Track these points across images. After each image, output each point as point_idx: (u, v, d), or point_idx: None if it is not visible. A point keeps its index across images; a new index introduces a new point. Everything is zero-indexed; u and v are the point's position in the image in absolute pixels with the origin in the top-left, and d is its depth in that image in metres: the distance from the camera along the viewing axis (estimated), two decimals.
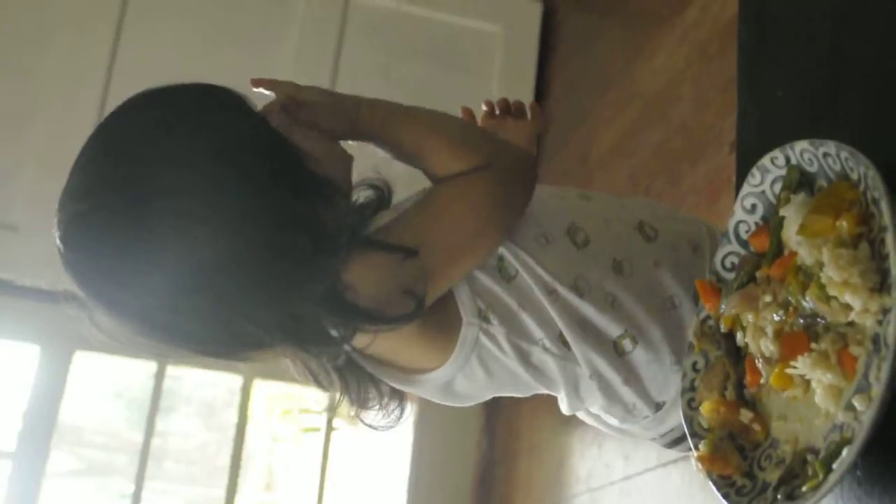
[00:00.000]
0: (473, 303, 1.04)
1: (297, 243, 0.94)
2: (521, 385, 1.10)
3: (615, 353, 1.08)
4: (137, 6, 2.99)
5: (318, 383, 1.05)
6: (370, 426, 1.09)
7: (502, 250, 1.05)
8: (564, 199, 1.13)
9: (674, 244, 1.11)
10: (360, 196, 1.09)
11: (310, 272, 0.94)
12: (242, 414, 3.01)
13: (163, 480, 3.27)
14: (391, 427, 1.10)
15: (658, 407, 1.10)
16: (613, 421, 1.15)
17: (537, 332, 1.06)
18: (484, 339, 1.05)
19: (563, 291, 1.05)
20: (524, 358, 1.07)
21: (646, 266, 1.09)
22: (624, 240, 1.09)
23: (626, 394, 1.09)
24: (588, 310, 1.06)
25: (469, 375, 1.07)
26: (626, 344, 1.08)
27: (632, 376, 1.09)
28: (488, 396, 1.14)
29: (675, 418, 1.10)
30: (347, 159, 1.07)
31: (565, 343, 1.06)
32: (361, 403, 1.08)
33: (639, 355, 1.08)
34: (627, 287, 1.07)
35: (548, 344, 1.06)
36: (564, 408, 1.14)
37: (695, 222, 1.18)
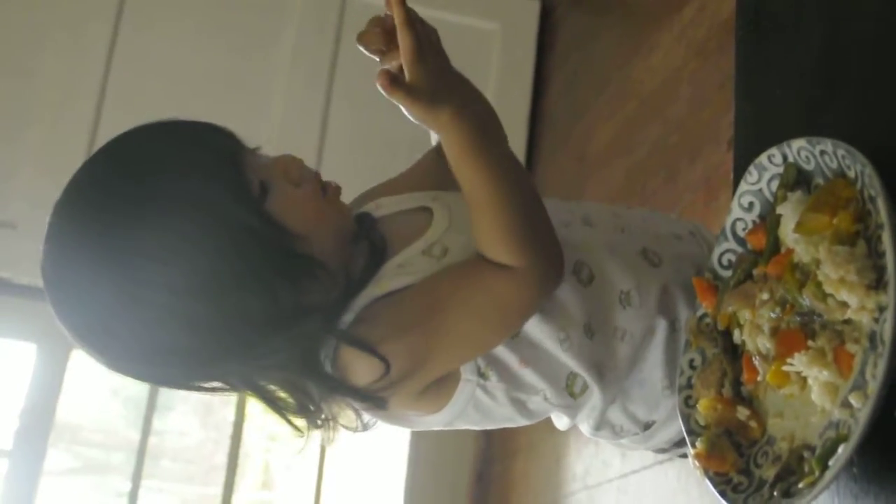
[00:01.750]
0: (473, 360, 1.02)
1: (252, 314, 0.93)
2: (517, 422, 1.10)
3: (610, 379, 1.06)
4: (134, 7, 2.98)
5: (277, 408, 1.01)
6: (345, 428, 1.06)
7: None
8: (569, 228, 1.06)
9: (678, 268, 1.07)
10: (356, 259, 1.03)
11: (266, 344, 0.95)
12: (240, 412, 3.01)
13: (160, 479, 3.27)
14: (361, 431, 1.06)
15: (647, 426, 1.10)
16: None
17: (539, 385, 1.04)
18: (481, 394, 1.04)
19: (575, 336, 1.02)
20: (521, 407, 1.06)
21: (653, 291, 1.05)
22: (630, 270, 1.05)
23: (615, 417, 1.09)
24: (600, 349, 1.04)
25: (465, 419, 1.07)
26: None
27: (621, 399, 1.07)
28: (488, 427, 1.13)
29: (664, 434, 1.10)
30: (343, 219, 1.03)
31: (571, 393, 1.05)
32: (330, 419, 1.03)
33: (631, 380, 1.07)
34: (636, 317, 1.05)
35: (549, 395, 1.05)
36: (560, 426, 1.15)
37: (694, 241, 1.14)
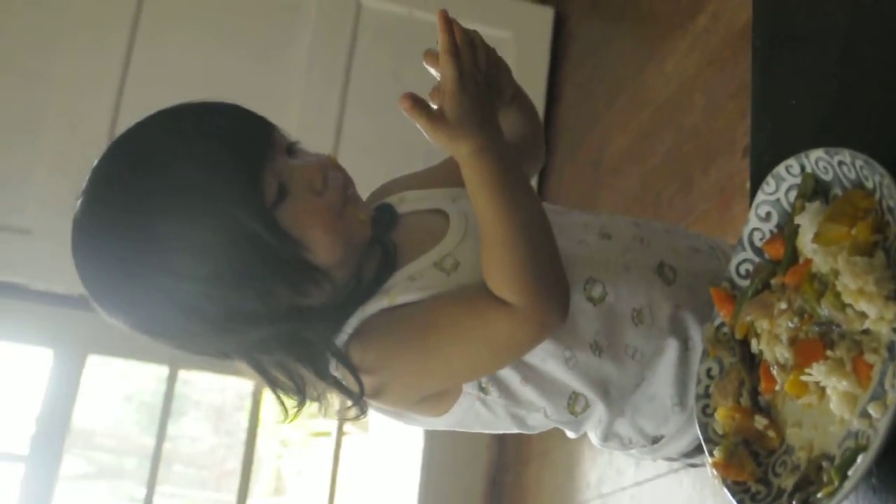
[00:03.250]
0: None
1: (249, 312, 0.95)
2: (517, 430, 1.11)
3: (615, 396, 1.06)
4: (151, 13, 3.00)
5: (275, 386, 1.03)
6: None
7: None
8: (584, 245, 1.06)
9: (692, 286, 1.06)
10: (368, 262, 1.03)
11: (261, 338, 0.98)
12: (253, 418, 3.02)
13: (173, 484, 3.28)
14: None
15: (655, 440, 1.10)
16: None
17: (540, 403, 1.04)
18: (480, 407, 1.04)
19: (581, 355, 1.02)
20: (521, 422, 1.07)
21: (665, 311, 1.05)
22: (643, 287, 1.05)
23: (623, 430, 1.09)
24: (608, 367, 1.03)
25: (465, 426, 1.08)
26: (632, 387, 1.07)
27: (630, 414, 1.07)
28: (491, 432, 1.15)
29: (673, 448, 1.10)
30: (357, 233, 1.02)
31: (573, 411, 1.05)
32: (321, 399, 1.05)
33: (641, 396, 1.07)
34: (648, 335, 1.04)
35: (549, 412, 1.05)
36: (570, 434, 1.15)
37: (713, 255, 1.13)
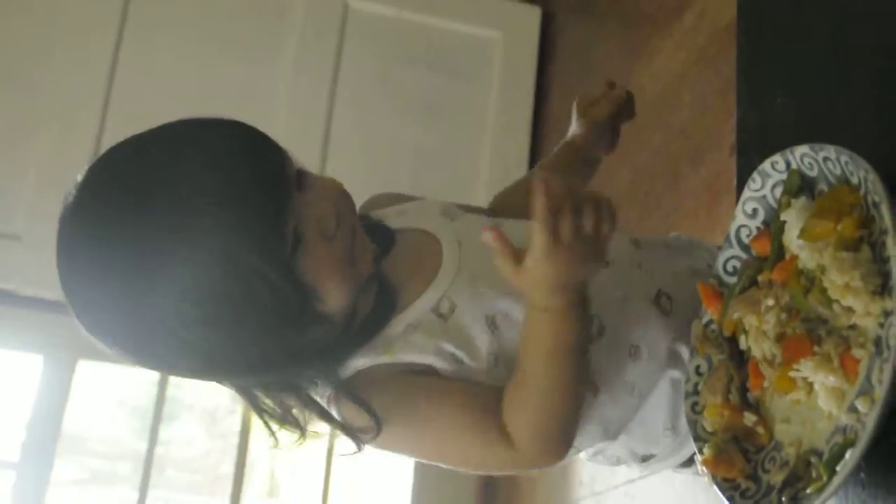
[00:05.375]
0: None
1: (249, 353, 0.93)
2: None
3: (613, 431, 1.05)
4: (137, 18, 2.99)
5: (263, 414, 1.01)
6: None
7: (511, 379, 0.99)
8: None
9: (689, 313, 1.03)
10: (365, 298, 1.00)
11: (255, 377, 0.97)
12: (245, 421, 3.01)
13: (166, 489, 3.27)
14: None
15: (644, 459, 1.09)
16: None
17: None
18: None
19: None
20: None
21: (663, 345, 1.03)
22: (641, 321, 1.03)
23: (613, 450, 1.08)
24: (605, 406, 1.02)
25: None
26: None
27: (621, 438, 1.06)
28: None
29: (662, 465, 1.10)
30: (363, 277, 0.98)
31: None
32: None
33: (633, 421, 1.05)
34: (646, 370, 1.03)
35: None
36: None
37: (695, 254, 1.12)
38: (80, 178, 0.93)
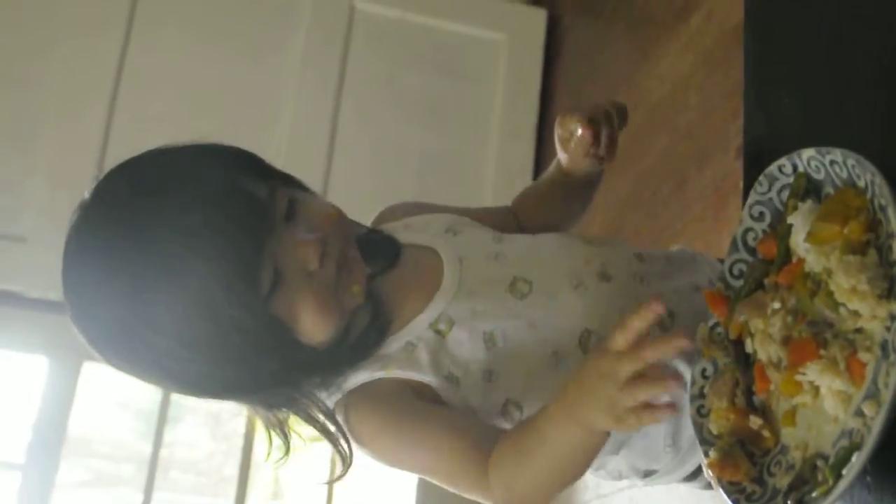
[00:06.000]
0: None
1: (236, 380, 0.96)
2: None
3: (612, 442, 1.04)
4: (144, 16, 3.00)
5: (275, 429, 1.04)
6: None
7: (507, 397, 1.00)
8: (581, 290, 1.03)
9: (689, 329, 0.99)
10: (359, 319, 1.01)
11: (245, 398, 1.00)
12: (250, 423, 3.01)
13: (171, 491, 3.27)
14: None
15: (646, 474, 1.10)
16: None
17: None
18: None
19: None
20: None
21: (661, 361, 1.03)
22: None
23: (615, 464, 1.09)
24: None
25: None
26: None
27: (623, 452, 1.06)
28: None
29: (664, 480, 1.10)
30: (350, 306, 0.99)
31: None
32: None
33: (635, 436, 1.05)
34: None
35: None
36: None
37: (696, 269, 1.12)
38: (75, 212, 0.95)
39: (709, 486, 0.91)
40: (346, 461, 1.01)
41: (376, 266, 1.03)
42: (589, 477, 2.50)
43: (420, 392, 0.99)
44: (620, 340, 0.82)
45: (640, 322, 0.81)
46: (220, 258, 0.88)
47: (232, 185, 0.92)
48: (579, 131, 1.08)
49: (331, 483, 2.57)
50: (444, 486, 1.01)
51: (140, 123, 2.78)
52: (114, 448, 3.38)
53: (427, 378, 0.98)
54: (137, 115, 2.85)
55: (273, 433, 1.02)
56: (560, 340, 1.00)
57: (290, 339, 0.94)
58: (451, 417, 0.98)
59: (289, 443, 1.02)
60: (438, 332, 1.00)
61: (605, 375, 0.81)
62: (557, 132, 1.11)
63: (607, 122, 1.09)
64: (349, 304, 0.98)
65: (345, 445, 1.00)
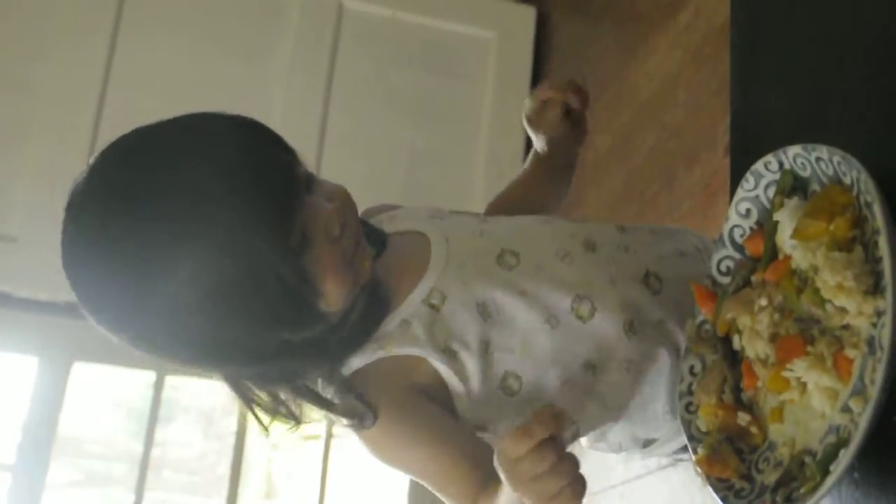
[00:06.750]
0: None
1: (248, 345, 0.94)
2: None
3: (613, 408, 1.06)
4: (132, 18, 2.99)
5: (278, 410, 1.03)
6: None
7: (505, 369, 1.01)
8: (569, 260, 1.05)
9: (678, 293, 1.05)
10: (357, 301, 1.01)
11: (253, 368, 0.98)
12: (242, 422, 3.01)
13: (163, 490, 3.27)
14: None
15: (646, 444, 1.10)
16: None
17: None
18: None
19: (577, 375, 1.02)
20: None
21: (654, 321, 1.05)
22: (631, 300, 1.04)
23: (614, 435, 1.09)
24: (604, 384, 1.03)
25: None
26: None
27: (622, 422, 1.07)
28: None
29: (664, 450, 1.11)
30: (361, 280, 1.00)
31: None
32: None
33: (634, 404, 1.06)
34: (640, 346, 1.04)
35: None
36: None
37: (699, 258, 1.12)
38: (93, 160, 0.94)
39: None
40: (360, 422, 1.00)
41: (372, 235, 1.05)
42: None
43: (425, 390, 1.00)
44: (521, 448, 0.83)
45: (540, 432, 0.83)
46: (260, 202, 0.89)
47: (264, 141, 0.95)
48: (548, 94, 1.13)
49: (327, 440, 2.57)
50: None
51: (129, 124, 2.77)
52: (105, 448, 3.37)
53: (425, 352, 0.99)
54: (126, 115, 2.82)
55: (261, 413, 1.02)
56: (553, 307, 1.02)
57: (310, 301, 0.94)
58: (457, 432, 1.01)
59: (293, 415, 1.02)
60: (432, 306, 1.02)
61: (515, 477, 0.84)
62: (526, 116, 1.15)
63: (574, 87, 1.14)
64: (361, 277, 0.99)
65: (357, 409, 1.00)
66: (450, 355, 1.00)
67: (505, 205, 1.24)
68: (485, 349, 1.00)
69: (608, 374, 1.03)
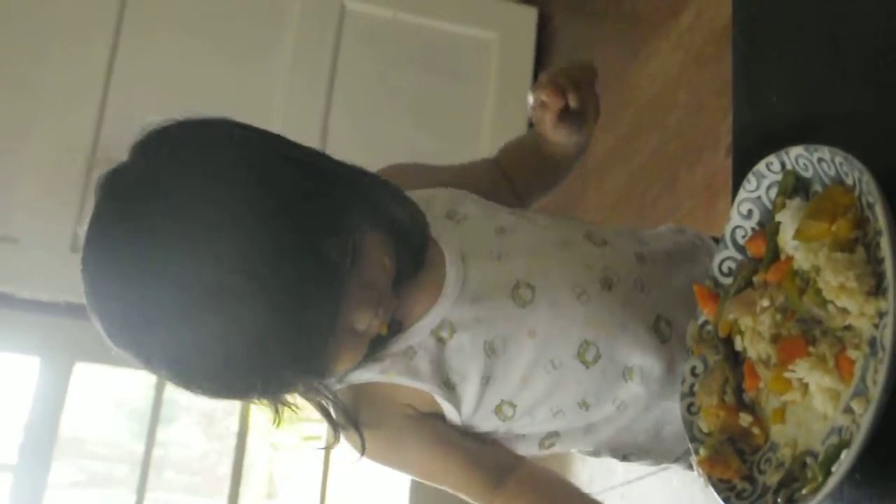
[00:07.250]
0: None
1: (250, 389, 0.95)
2: None
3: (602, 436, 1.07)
4: (134, 17, 2.99)
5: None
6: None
7: (501, 398, 1.01)
8: (584, 299, 1.02)
9: (684, 344, 1.02)
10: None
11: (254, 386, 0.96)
12: (243, 422, 3.01)
13: (164, 490, 3.27)
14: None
15: (625, 457, 1.11)
16: None
17: (516, 445, 1.06)
18: None
19: (569, 410, 1.03)
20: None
21: (657, 372, 1.03)
22: (638, 349, 1.02)
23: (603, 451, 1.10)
24: (594, 419, 1.04)
25: None
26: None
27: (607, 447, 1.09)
28: None
29: (645, 463, 1.12)
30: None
31: (543, 446, 1.07)
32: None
33: (622, 434, 1.07)
34: (637, 393, 1.03)
35: (528, 449, 1.07)
36: None
37: (696, 260, 1.11)
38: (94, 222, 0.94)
39: (691, 467, 0.92)
40: (351, 443, 1.02)
41: (402, 269, 1.00)
42: (582, 474, 2.50)
43: (419, 409, 1.01)
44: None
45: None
46: (289, 322, 0.87)
47: (306, 245, 0.89)
48: (542, 98, 1.10)
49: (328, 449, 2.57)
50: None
51: (130, 124, 2.78)
52: (106, 448, 3.37)
53: (428, 387, 0.99)
54: (127, 116, 2.84)
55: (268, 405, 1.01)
56: (558, 350, 1.00)
57: (320, 369, 0.95)
58: (461, 439, 1.02)
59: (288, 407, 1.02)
60: (440, 339, 1.00)
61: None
62: (529, 106, 1.14)
63: (572, 84, 1.12)
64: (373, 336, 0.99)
65: (348, 431, 1.01)
66: (450, 388, 1.00)
67: (519, 163, 1.25)
68: (485, 383, 1.00)
69: (600, 412, 1.03)
